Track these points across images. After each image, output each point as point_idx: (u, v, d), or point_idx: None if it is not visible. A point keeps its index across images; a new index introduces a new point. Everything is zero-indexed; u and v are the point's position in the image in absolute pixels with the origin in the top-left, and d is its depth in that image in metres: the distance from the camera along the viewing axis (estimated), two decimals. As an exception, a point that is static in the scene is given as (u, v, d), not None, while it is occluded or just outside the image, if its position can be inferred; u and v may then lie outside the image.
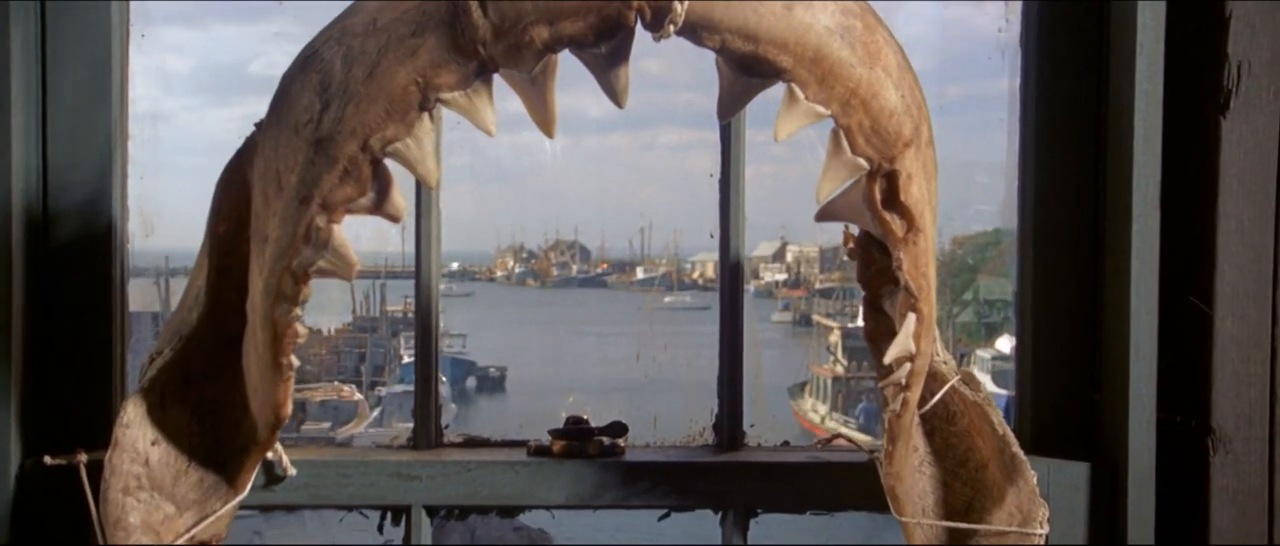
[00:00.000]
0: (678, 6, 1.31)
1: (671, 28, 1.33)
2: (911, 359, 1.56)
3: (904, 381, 1.59)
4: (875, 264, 1.64)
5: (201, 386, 1.72)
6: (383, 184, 1.41)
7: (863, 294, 1.68)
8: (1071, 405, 1.95)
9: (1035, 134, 1.93)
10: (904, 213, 1.48)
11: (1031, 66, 1.93)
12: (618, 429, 1.92)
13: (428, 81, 1.33)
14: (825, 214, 1.52)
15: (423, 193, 1.87)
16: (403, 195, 1.45)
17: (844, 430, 1.94)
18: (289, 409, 1.59)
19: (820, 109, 1.39)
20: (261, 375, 1.56)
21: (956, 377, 1.81)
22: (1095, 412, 1.94)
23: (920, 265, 1.52)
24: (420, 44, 1.34)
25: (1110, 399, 1.91)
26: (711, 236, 1.97)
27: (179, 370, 1.69)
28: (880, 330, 1.67)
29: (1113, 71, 1.89)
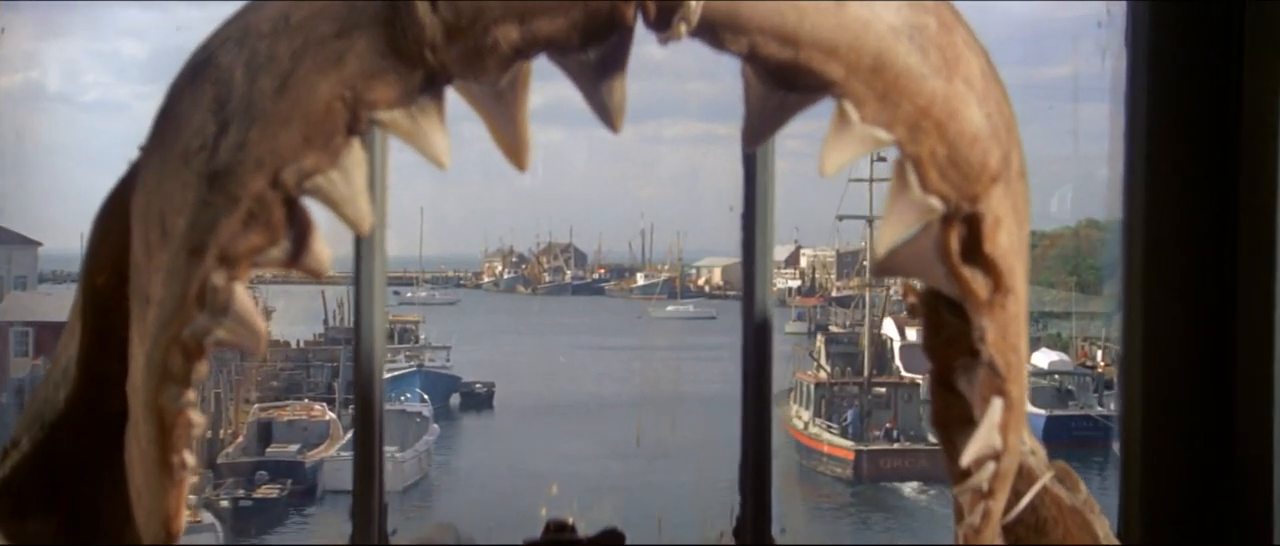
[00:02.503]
0: (692, 3, 1.16)
1: (683, 28, 1.18)
2: (996, 457, 1.38)
3: (986, 487, 1.40)
4: (946, 329, 1.44)
5: (73, 488, 1.57)
6: (300, 230, 1.25)
7: (929, 367, 1.47)
8: (1198, 494, 1.72)
9: (1146, 145, 1.71)
10: (989, 267, 1.32)
11: (1140, 62, 1.71)
12: (612, 539, 1.67)
13: (358, 96, 1.20)
14: (886, 267, 1.34)
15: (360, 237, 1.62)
16: (328, 244, 1.28)
17: None
18: (182, 522, 1.41)
19: (881, 133, 1.24)
20: (146, 477, 1.39)
21: (1049, 473, 1.60)
22: (1230, 505, 1.70)
23: (1010, 336, 1.35)
24: (348, 47, 1.20)
25: (1250, 488, 1.70)
26: (737, 263, 1.74)
27: (43, 467, 1.55)
28: (952, 415, 1.48)
29: (1248, 69, 1.70)
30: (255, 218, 1.23)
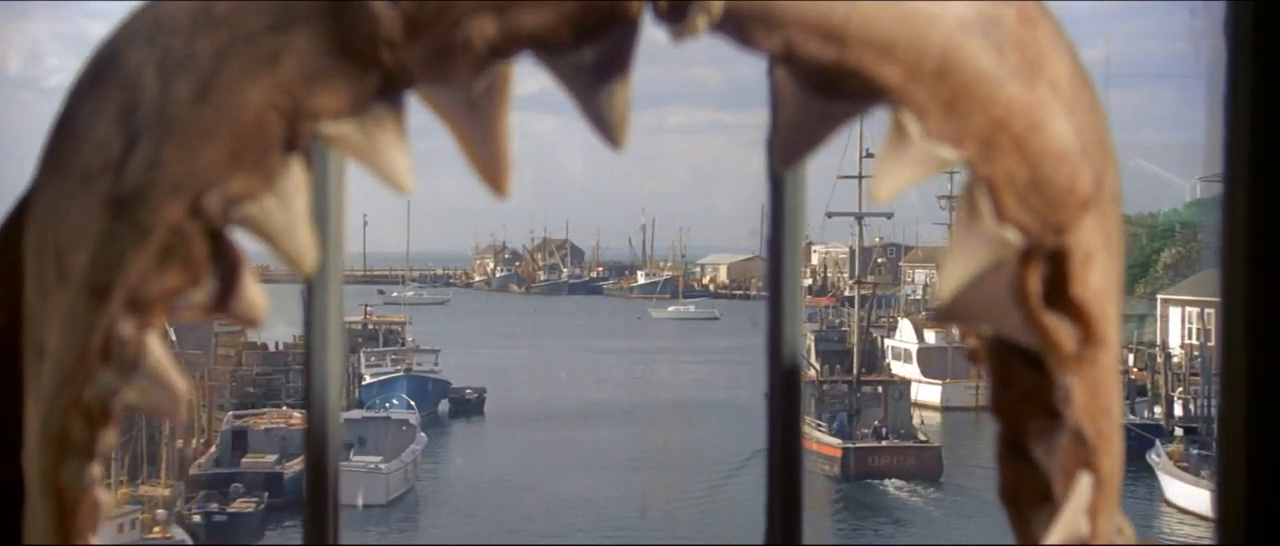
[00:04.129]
0: None
1: (703, 21, 1.05)
2: (1084, 546, 1.25)
3: (1071, 582, 1.25)
4: (1017, 383, 1.30)
5: (-39, 574, 1.45)
6: (228, 268, 1.15)
7: (997, 430, 1.31)
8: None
9: (1249, 139, 1.58)
10: (1077, 313, 1.19)
11: (1244, 51, 1.57)
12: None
13: (297, 105, 1.10)
14: (951, 313, 1.22)
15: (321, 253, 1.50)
16: (257, 294, 1.16)
17: None
18: None
19: (947, 151, 1.12)
20: (46, 566, 1.27)
21: (1141, 559, 1.44)
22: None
23: (1101, 397, 1.23)
24: (284, 45, 1.09)
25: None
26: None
27: (-76, 548, 1.42)
28: (1025, 489, 1.33)
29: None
30: (171, 253, 1.12)
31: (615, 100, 1.08)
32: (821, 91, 1.10)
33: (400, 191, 1.15)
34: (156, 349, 1.15)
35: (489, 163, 1.12)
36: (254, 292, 1.16)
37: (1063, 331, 1.19)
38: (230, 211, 1.11)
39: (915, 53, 1.08)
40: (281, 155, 1.10)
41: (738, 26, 1.06)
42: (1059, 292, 1.19)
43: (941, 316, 1.23)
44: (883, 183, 1.11)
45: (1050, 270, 1.18)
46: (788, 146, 1.16)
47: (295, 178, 1.12)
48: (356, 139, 1.11)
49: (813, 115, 1.12)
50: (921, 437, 51.83)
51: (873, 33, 1.07)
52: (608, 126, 1.10)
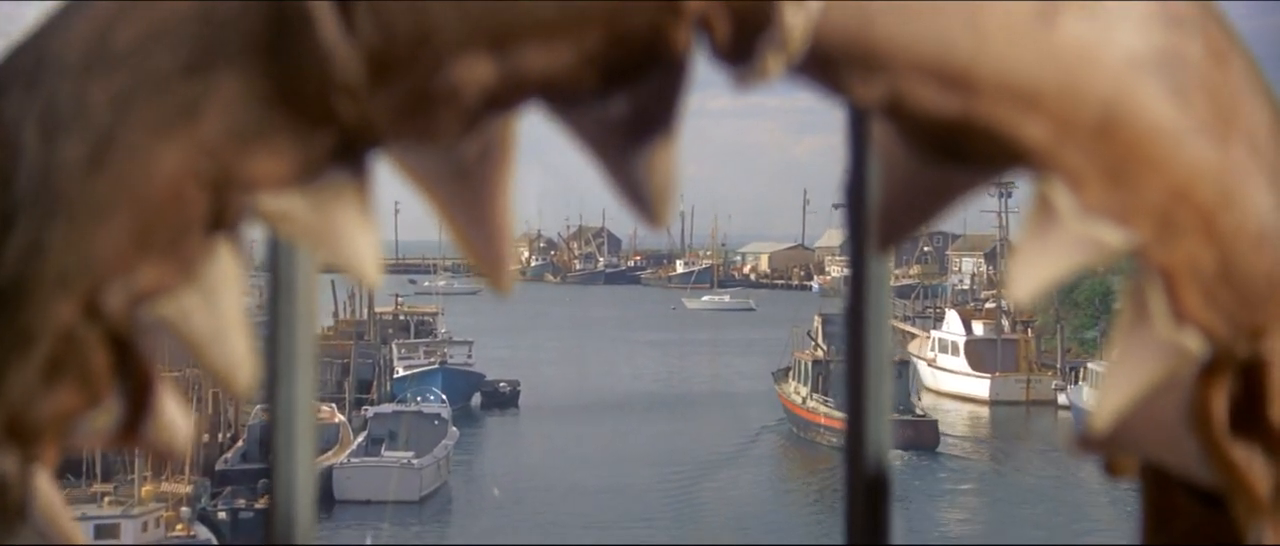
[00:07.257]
0: (788, 6, 0.81)
1: (777, 61, 0.82)
2: None
3: None
4: (1179, 520, 1.10)
5: None
6: (139, 384, 0.96)
7: None
8: None
9: None
10: (1276, 446, 0.99)
11: None
12: None
13: (226, 172, 0.91)
14: (1110, 442, 1.01)
15: (284, 266, 1.30)
16: (178, 416, 0.97)
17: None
18: None
19: (1111, 231, 0.91)
20: None
21: None
22: None
23: None
24: (206, 92, 0.90)
25: None
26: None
27: None
28: None
29: None
30: (62, 365, 0.94)
31: (656, 167, 0.85)
32: (940, 154, 0.87)
33: (365, 285, 0.92)
34: (47, 491, 0.96)
35: (483, 248, 0.89)
36: (173, 414, 0.95)
37: (1255, 469, 0.98)
38: (137, 311, 0.92)
39: (1069, 102, 0.87)
40: (204, 237, 0.90)
41: (826, 68, 0.83)
42: (1252, 417, 0.97)
43: (1096, 445, 1.02)
44: (1025, 276, 0.88)
45: (1241, 387, 0.97)
46: (892, 223, 0.93)
47: (224, 267, 0.90)
48: (306, 216, 0.89)
49: (926, 186, 0.90)
50: (918, 412, 58.09)
51: (1011, 76, 0.85)
52: (645, 201, 0.87)
